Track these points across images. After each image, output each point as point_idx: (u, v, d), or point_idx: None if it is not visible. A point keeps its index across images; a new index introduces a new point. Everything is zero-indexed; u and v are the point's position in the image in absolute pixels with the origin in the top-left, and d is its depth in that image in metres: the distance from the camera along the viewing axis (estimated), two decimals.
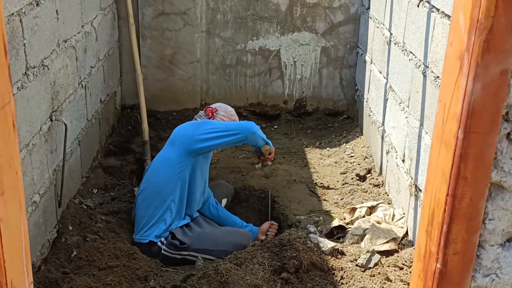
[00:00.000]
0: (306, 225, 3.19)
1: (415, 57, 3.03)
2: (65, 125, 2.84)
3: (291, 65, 4.61)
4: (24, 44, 2.38)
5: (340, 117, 4.72)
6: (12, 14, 2.24)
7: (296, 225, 3.23)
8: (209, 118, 3.17)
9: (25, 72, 2.41)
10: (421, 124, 2.89)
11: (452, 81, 0.96)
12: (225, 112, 3.23)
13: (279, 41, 4.53)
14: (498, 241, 1.03)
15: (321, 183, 3.75)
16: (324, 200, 3.57)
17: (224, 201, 3.51)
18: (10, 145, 0.96)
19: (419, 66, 2.95)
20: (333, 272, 2.57)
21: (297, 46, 4.55)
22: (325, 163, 4.05)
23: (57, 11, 2.79)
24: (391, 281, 2.59)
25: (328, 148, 4.28)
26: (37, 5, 2.53)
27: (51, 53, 2.74)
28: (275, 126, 4.62)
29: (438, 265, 1.02)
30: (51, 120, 2.74)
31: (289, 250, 2.54)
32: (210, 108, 3.22)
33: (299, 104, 4.74)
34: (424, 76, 2.86)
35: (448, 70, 0.98)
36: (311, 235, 2.80)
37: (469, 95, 0.93)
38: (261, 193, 3.66)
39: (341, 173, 3.85)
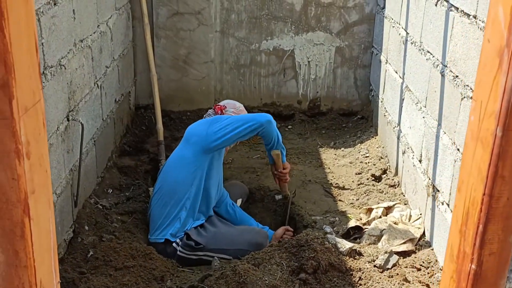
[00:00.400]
0: (322, 226, 3.17)
1: (433, 56, 3.00)
2: (82, 124, 2.84)
3: (305, 65, 4.59)
4: (42, 44, 2.38)
5: (355, 117, 4.69)
6: None
7: (312, 226, 3.21)
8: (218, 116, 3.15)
9: (43, 72, 2.41)
10: (439, 124, 2.86)
11: (489, 78, 0.94)
12: (233, 108, 3.21)
13: (293, 41, 4.52)
14: None
15: (336, 184, 3.73)
16: (340, 200, 3.55)
17: (239, 201, 3.49)
18: (41, 143, 0.96)
19: (437, 65, 2.92)
20: (351, 273, 2.55)
21: (312, 46, 4.53)
22: (340, 163, 4.02)
23: (74, 10, 2.80)
24: (409, 282, 2.56)
25: (342, 148, 4.25)
26: (55, 4, 2.53)
27: (68, 52, 2.74)
28: (289, 126, 4.60)
29: (473, 266, 0.99)
30: (68, 120, 2.74)
31: (307, 251, 2.53)
32: (219, 106, 3.21)
33: (313, 104, 4.72)
34: (443, 75, 2.83)
35: (485, 67, 0.96)
36: (329, 235, 2.78)
37: (508, 92, 0.91)
38: (276, 193, 3.64)
39: (356, 174, 3.83)
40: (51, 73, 2.49)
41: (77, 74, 2.89)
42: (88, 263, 2.64)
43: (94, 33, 3.19)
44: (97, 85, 3.29)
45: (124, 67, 4.02)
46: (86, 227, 2.90)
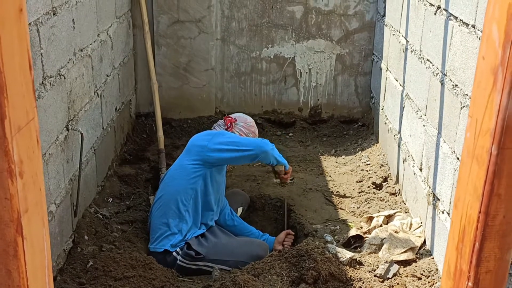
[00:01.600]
0: (323, 234, 3.16)
1: (433, 65, 3.00)
2: (81, 134, 2.84)
3: (306, 72, 4.59)
4: (41, 54, 2.39)
5: (355, 125, 4.69)
6: (30, 24, 2.25)
7: (312, 234, 3.19)
8: (227, 128, 3.15)
9: (42, 82, 2.42)
10: (439, 133, 2.85)
11: (484, 96, 0.93)
12: (244, 123, 3.20)
13: (294, 48, 4.52)
14: None
15: (337, 192, 3.72)
16: (341, 208, 3.54)
17: (239, 210, 3.49)
18: (34, 162, 0.95)
19: (437, 74, 2.92)
20: (351, 283, 2.54)
21: (312, 54, 4.54)
22: (340, 171, 4.02)
23: (73, 20, 2.80)
24: None
25: (343, 156, 4.25)
26: (54, 14, 2.54)
27: (68, 62, 2.74)
28: (290, 134, 4.60)
29: (470, 284, 0.99)
30: (67, 130, 2.74)
31: (307, 261, 2.52)
32: (230, 118, 3.20)
33: (314, 112, 4.72)
34: (442, 84, 2.82)
35: (480, 84, 0.95)
36: (329, 245, 2.77)
37: (503, 110, 0.90)
38: (277, 201, 3.64)
39: (357, 181, 3.82)
40: (50, 83, 2.50)
41: (77, 84, 2.89)
42: (87, 273, 2.63)
43: (94, 42, 3.19)
44: (97, 94, 3.29)
45: (125, 75, 4.03)
46: (86, 237, 2.90)
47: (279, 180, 3.24)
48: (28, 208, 0.95)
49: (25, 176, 0.93)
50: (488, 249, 0.97)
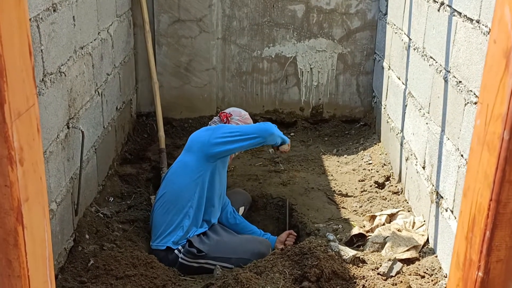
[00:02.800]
0: (325, 233, 3.13)
1: (436, 62, 2.98)
2: (82, 132, 2.82)
3: (308, 72, 4.57)
4: (41, 50, 2.37)
5: (357, 124, 4.67)
6: (30, 19, 2.23)
7: (315, 233, 3.17)
8: (224, 123, 3.14)
9: (42, 79, 2.40)
10: (443, 130, 2.83)
11: (496, 80, 0.91)
12: (239, 116, 3.19)
13: (295, 47, 4.50)
14: None
15: (339, 191, 3.70)
16: (343, 208, 3.52)
17: (241, 209, 3.46)
18: (35, 149, 0.93)
19: (440, 71, 2.90)
20: (354, 281, 2.51)
21: (314, 53, 4.52)
22: (342, 170, 3.99)
23: (74, 17, 2.78)
24: None
25: (345, 155, 4.22)
26: (54, 11, 2.52)
27: (68, 59, 2.72)
28: (292, 134, 4.58)
29: (480, 274, 0.96)
30: (68, 128, 2.72)
31: (310, 259, 2.49)
32: (224, 113, 3.19)
33: (316, 111, 4.70)
34: (446, 81, 2.80)
35: (491, 69, 0.93)
36: (332, 243, 2.75)
37: None
38: (278, 201, 3.62)
39: (359, 181, 3.79)
40: (50, 80, 2.48)
41: (78, 81, 2.87)
42: (88, 272, 2.61)
43: (94, 40, 3.18)
44: (98, 92, 3.28)
45: (125, 74, 4.01)
46: (87, 236, 2.88)
47: (277, 153, 3.28)
48: (29, 196, 0.93)
49: (25, 163, 0.91)
50: (499, 237, 0.94)
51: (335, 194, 3.66)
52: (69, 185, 2.74)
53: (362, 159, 4.11)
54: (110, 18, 3.54)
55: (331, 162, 4.14)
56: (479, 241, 0.97)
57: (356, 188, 3.71)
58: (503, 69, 0.89)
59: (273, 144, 3.10)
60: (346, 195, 3.65)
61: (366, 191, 3.66)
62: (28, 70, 0.92)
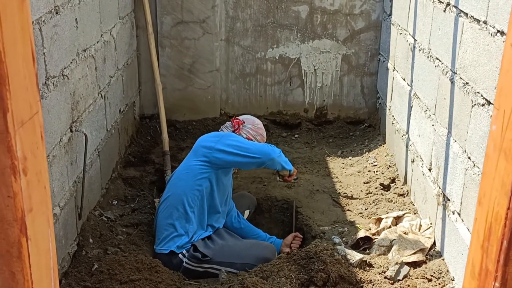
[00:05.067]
0: (331, 236, 3.11)
1: (442, 63, 2.95)
2: (86, 135, 2.80)
3: (312, 73, 4.54)
4: (44, 53, 2.35)
5: (362, 126, 4.64)
6: (32, 22, 2.20)
7: (320, 236, 3.14)
8: (235, 130, 3.10)
9: (45, 82, 2.37)
10: (449, 132, 2.80)
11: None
12: (252, 125, 3.16)
13: (299, 49, 4.48)
14: None
15: (345, 193, 3.67)
16: (348, 210, 3.49)
17: (246, 213, 3.44)
18: (39, 158, 0.91)
19: (446, 72, 2.87)
20: (361, 285, 2.48)
21: (318, 54, 4.49)
22: (347, 172, 3.96)
23: (76, 20, 2.76)
24: None
25: (350, 157, 4.19)
26: (57, 13, 2.50)
27: (71, 62, 2.70)
28: (296, 135, 4.55)
29: (497, 284, 0.94)
30: (71, 131, 2.70)
31: (316, 263, 2.47)
32: (237, 120, 3.15)
33: (320, 113, 4.67)
34: (452, 82, 2.77)
35: (507, 73, 0.90)
36: (338, 246, 2.72)
37: None
38: (283, 203, 3.59)
39: (364, 183, 3.76)
40: (53, 83, 2.45)
41: (81, 84, 2.85)
42: (92, 276, 2.59)
43: (97, 42, 3.15)
44: (101, 95, 3.25)
45: (129, 76, 3.99)
46: (91, 240, 2.85)
47: (281, 179, 3.21)
48: (33, 207, 0.90)
49: (29, 173, 0.88)
50: None
51: (340, 196, 3.63)
52: (73, 189, 2.72)
53: (367, 161, 4.07)
54: (112, 20, 3.52)
55: (335, 164, 4.11)
56: (496, 250, 0.94)
57: (361, 190, 3.68)
58: None
59: (274, 169, 3.05)
60: (351, 197, 3.62)
61: (371, 193, 3.63)
62: (32, 76, 0.90)
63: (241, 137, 3.04)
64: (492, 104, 2.30)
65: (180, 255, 2.89)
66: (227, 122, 3.21)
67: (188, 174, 2.95)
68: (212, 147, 2.90)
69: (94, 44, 3.09)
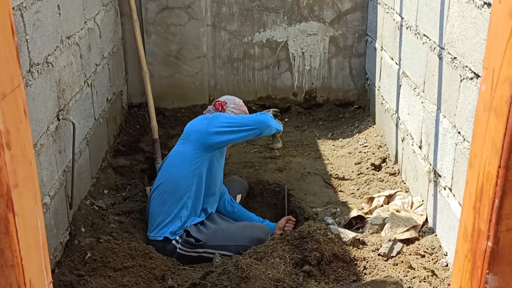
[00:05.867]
0: (324, 217, 3.11)
1: (429, 39, 2.94)
2: (73, 124, 2.77)
3: (300, 56, 4.52)
4: (27, 40, 2.30)
5: (351, 107, 4.63)
6: (13, 8, 2.16)
7: (313, 218, 3.15)
8: (219, 112, 3.09)
9: (29, 70, 2.34)
10: (438, 108, 2.80)
11: (502, 42, 0.87)
12: (234, 104, 3.16)
13: (286, 32, 4.45)
14: None
15: (336, 174, 3.67)
16: (340, 191, 3.49)
17: (238, 197, 3.43)
18: (22, 133, 0.89)
19: (434, 48, 2.86)
20: (355, 262, 2.49)
21: (305, 37, 4.47)
22: (338, 154, 3.96)
23: (58, 6, 2.72)
24: (414, 269, 2.51)
25: (340, 139, 4.19)
26: None
27: (55, 49, 2.66)
28: (286, 119, 4.54)
29: (489, 243, 0.93)
30: (58, 120, 2.67)
31: (309, 242, 2.47)
32: (219, 102, 3.15)
33: (309, 96, 4.66)
34: (440, 58, 2.77)
35: (496, 32, 0.89)
36: (331, 226, 2.72)
37: None
38: (275, 187, 3.59)
39: (355, 164, 3.77)
40: (37, 70, 2.42)
41: (66, 72, 2.81)
42: (86, 265, 2.57)
43: (81, 29, 3.11)
44: (87, 83, 3.22)
45: (115, 65, 3.95)
46: (83, 229, 2.83)
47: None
48: (18, 182, 0.88)
49: (13, 147, 0.87)
50: (509, 205, 0.91)
51: (332, 178, 3.63)
52: (62, 178, 2.70)
53: (357, 142, 4.08)
54: (96, 7, 3.47)
55: (326, 146, 4.11)
56: (488, 210, 0.94)
57: (352, 171, 3.68)
58: (509, 30, 0.85)
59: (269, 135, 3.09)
60: (343, 179, 3.62)
61: (362, 173, 3.63)
62: (12, 49, 0.87)
63: (230, 114, 3.04)
64: (480, 77, 2.30)
65: (173, 241, 2.88)
66: (209, 106, 3.20)
67: (182, 159, 2.93)
68: (205, 130, 2.89)
69: (78, 32, 3.05)
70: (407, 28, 3.36)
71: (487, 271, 0.95)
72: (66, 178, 2.74)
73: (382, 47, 4.00)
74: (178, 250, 2.87)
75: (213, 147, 2.90)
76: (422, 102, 3.07)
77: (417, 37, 3.15)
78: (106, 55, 3.68)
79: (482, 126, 0.96)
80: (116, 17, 4.03)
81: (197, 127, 2.95)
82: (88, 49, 3.24)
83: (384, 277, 2.25)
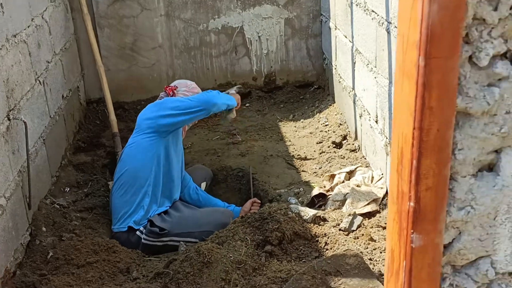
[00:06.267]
0: (287, 198, 3.14)
1: (378, 15, 2.98)
2: (25, 123, 2.72)
3: (256, 40, 4.52)
4: None
5: (311, 88, 4.66)
6: None
7: (277, 199, 3.17)
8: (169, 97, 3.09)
9: None
10: (390, 82, 2.84)
11: (408, 8, 0.89)
12: (185, 87, 3.15)
13: (241, 17, 4.44)
14: (470, 171, 0.98)
15: (298, 155, 3.70)
16: (303, 171, 3.52)
17: (203, 185, 3.43)
18: None
19: (382, 23, 2.90)
20: (316, 239, 2.52)
21: (260, 21, 4.46)
22: (300, 134, 3.99)
23: (1, 4, 2.66)
24: (375, 241, 2.56)
25: (302, 120, 4.22)
26: None
27: (0, 49, 2.61)
28: (247, 104, 4.54)
29: (411, 204, 0.96)
30: (9, 119, 2.62)
31: (270, 223, 2.49)
32: (170, 87, 3.14)
33: (269, 79, 4.66)
34: (388, 32, 2.80)
35: None
36: (292, 205, 2.75)
37: (426, 18, 0.86)
38: (239, 171, 3.60)
39: (317, 143, 3.80)
40: None
41: (14, 71, 2.76)
42: (48, 264, 2.55)
43: (28, 27, 3.05)
44: (39, 81, 3.16)
45: (69, 61, 3.89)
46: (44, 229, 2.80)
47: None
48: None
49: None
50: (426, 165, 0.94)
51: (294, 159, 3.66)
52: (18, 178, 2.66)
53: (318, 122, 4.11)
54: (43, 3, 3.40)
55: (288, 128, 4.13)
56: (408, 171, 0.96)
57: (314, 151, 3.72)
58: None
59: (221, 112, 3.09)
60: (305, 158, 3.66)
61: (324, 152, 3.67)
62: None
63: (179, 97, 3.03)
64: None
65: (138, 232, 2.88)
66: (161, 93, 3.18)
67: (137, 149, 2.93)
68: (154, 116, 2.90)
69: (24, 29, 2.99)
70: (357, 5, 3.39)
71: (412, 231, 0.98)
72: (22, 178, 2.71)
73: (336, 26, 4.02)
74: (143, 240, 2.87)
75: (165, 130, 2.90)
76: (375, 77, 3.11)
77: (366, 13, 3.18)
78: (58, 51, 3.62)
79: (398, 91, 0.98)
80: (66, 13, 3.96)
81: (147, 115, 2.96)
82: (37, 46, 3.18)
83: (344, 251, 2.29)
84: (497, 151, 0.98)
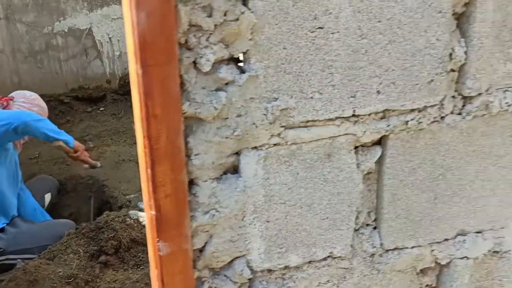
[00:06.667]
0: (137, 203, 3.09)
1: None
2: None
3: (107, 42, 4.39)
4: None
5: None
6: None
7: (126, 205, 3.11)
8: (4, 108, 2.89)
9: None
10: None
11: (127, 16, 0.89)
12: (23, 98, 2.97)
13: (89, 18, 4.28)
14: (211, 175, 0.99)
15: None
16: None
17: (47, 196, 3.27)
18: None
19: None
20: None
21: (110, 22, 4.34)
22: None
23: None
24: None
25: None
26: None
27: None
28: (102, 108, 4.41)
29: (153, 212, 0.96)
30: None
31: (105, 232, 2.42)
32: (5, 98, 2.94)
33: (124, 82, 4.55)
34: None
35: (124, 5, 0.90)
36: (131, 211, 2.69)
37: (137, 26, 0.86)
38: (88, 179, 3.48)
39: None
40: None
41: None
42: None
43: None
44: None
45: None
46: None
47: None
48: None
49: None
50: (161, 173, 0.94)
51: None
52: None
53: None
54: None
55: None
56: (146, 180, 0.96)
57: None
58: (128, 4, 0.86)
59: (39, 138, 2.79)
60: None
61: None
62: None
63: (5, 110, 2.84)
64: None
65: None
66: None
67: None
68: None
69: None
70: None
71: (157, 239, 0.98)
72: None
73: None
74: None
75: None
76: None
77: None
78: None
79: (134, 101, 0.97)
80: None
81: None
82: None
83: None
84: (238, 153, 1.01)
